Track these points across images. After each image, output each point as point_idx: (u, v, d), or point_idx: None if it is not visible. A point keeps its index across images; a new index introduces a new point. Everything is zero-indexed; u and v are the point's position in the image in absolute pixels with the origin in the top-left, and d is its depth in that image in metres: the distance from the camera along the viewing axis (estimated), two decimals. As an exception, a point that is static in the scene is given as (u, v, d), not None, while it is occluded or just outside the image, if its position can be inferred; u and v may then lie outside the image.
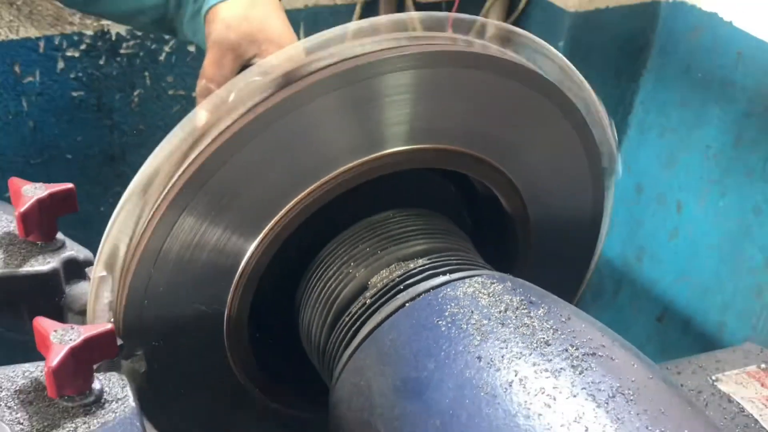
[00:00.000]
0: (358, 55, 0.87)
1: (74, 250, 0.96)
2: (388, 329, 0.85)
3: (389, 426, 0.76)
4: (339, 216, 0.98)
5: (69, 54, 1.70)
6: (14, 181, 0.94)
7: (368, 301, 0.91)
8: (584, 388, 0.70)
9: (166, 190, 0.84)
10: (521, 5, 2.02)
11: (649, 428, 0.67)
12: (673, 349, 2.11)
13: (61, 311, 0.94)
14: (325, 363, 0.95)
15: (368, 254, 0.96)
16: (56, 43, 1.68)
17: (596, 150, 1.04)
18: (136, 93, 1.81)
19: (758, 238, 1.90)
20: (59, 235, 0.96)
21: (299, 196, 0.89)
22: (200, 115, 0.84)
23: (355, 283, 0.94)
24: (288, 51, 0.86)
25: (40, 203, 0.91)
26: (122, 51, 1.75)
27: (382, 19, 0.89)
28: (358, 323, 0.90)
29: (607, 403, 0.69)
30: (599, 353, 0.75)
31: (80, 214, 1.73)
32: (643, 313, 2.21)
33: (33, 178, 0.95)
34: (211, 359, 0.95)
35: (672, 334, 2.14)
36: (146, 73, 1.80)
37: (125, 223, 0.86)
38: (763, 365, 1.07)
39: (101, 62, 1.74)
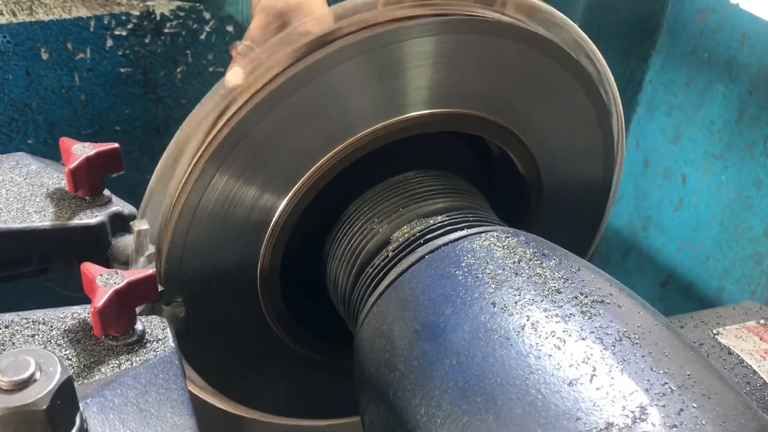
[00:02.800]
0: (383, 21, 0.85)
1: (120, 205, 0.95)
2: (409, 279, 0.84)
3: (409, 365, 0.75)
4: (364, 175, 0.97)
5: (117, 33, 1.70)
6: (65, 141, 0.93)
7: (390, 254, 0.91)
8: (592, 332, 0.69)
9: (202, 149, 0.84)
10: (538, -12, 1.99)
11: (653, 369, 0.66)
12: (676, 313, 2.08)
13: (107, 262, 0.94)
14: (351, 310, 0.95)
15: (391, 211, 0.95)
16: (105, 22, 1.68)
17: (608, 118, 1.02)
18: (178, 69, 1.80)
19: (758, 210, 1.87)
20: (106, 192, 0.95)
21: (327, 156, 0.88)
22: (237, 74, 0.83)
23: (379, 237, 0.94)
24: (319, 17, 0.85)
25: (89, 160, 0.91)
26: (166, 30, 1.74)
27: None
28: (381, 274, 0.90)
29: (614, 346, 0.68)
30: (607, 301, 0.74)
31: (128, 181, 1.73)
32: (649, 279, 2.19)
33: (87, 145, 0.95)
34: (245, 307, 0.95)
35: (675, 298, 2.11)
36: (188, 51, 1.79)
37: (166, 179, 0.86)
38: (762, 321, 1.04)
39: (147, 41, 1.73)
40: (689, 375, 0.66)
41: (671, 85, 2.04)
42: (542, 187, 1.03)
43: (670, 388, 0.64)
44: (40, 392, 0.57)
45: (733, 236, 1.94)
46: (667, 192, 2.10)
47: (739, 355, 0.97)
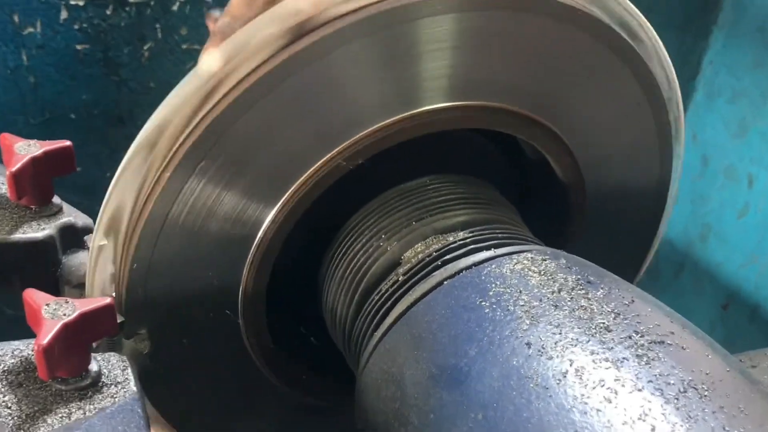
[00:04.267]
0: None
1: (72, 215, 0.94)
2: (424, 310, 0.82)
3: (423, 418, 0.73)
4: (369, 182, 0.96)
5: (73, 2, 1.68)
6: (6, 138, 0.91)
7: (401, 279, 0.89)
8: (650, 381, 0.67)
9: (175, 148, 0.83)
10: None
11: (726, 428, 0.64)
12: (740, 341, 2.08)
13: (56, 284, 0.93)
14: (352, 346, 0.93)
15: (401, 225, 0.94)
16: (59, -10, 1.66)
17: (663, 108, 1.00)
18: (146, 47, 1.78)
19: (840, 217, 1.85)
20: (56, 199, 0.94)
21: (324, 159, 0.87)
22: (216, 60, 0.81)
23: (387, 257, 0.93)
24: None
25: (34, 162, 0.89)
26: (131, 0, 1.72)
27: None
28: (390, 303, 0.88)
29: (677, 399, 0.66)
30: (668, 341, 0.72)
31: (85, 180, 1.71)
32: (707, 300, 2.18)
33: (34, 138, 0.93)
34: (224, 339, 0.93)
35: (738, 323, 2.10)
36: (157, 25, 1.77)
37: (129, 184, 0.84)
38: None
39: (108, 12, 1.71)
40: (771, 435, 0.64)
41: (735, 68, 2.03)
42: (585, 195, 1.02)
43: (748, 452, 0.62)
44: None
45: (810, 249, 1.92)
46: (730, 195, 2.08)
47: (824, 402, 0.95)
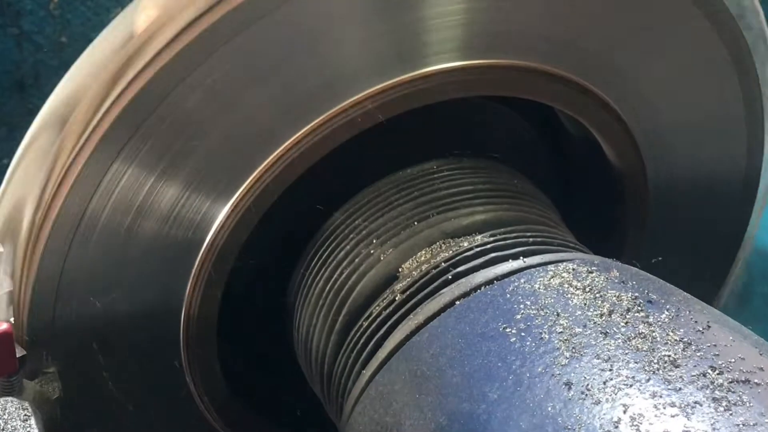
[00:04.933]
0: None
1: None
2: (429, 340, 0.82)
3: (429, 485, 0.74)
4: (356, 167, 0.97)
5: (-42, -72, 1.69)
6: None
7: (398, 298, 0.90)
8: (732, 433, 0.68)
9: (93, 125, 0.83)
10: None
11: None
12: None
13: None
14: (332, 388, 0.93)
15: (399, 227, 0.94)
16: None
17: (755, 79, 1.01)
18: (56, -11, 1.79)
19: None
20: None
21: (295, 137, 0.88)
22: (144, 10, 0.82)
23: (379, 270, 0.93)
24: None
25: None
26: (36, -76, 1.73)
27: None
28: (383, 330, 0.89)
29: (766, 456, 0.67)
30: (755, 380, 0.72)
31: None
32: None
33: None
34: (160, 378, 0.94)
35: None
36: (71, -41, 1.78)
37: (32, 172, 0.85)
38: None
39: (5, -59, 1.72)
40: None
41: None
42: (647, 187, 1.03)
43: None
44: None
45: None
46: None
47: None
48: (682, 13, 0.95)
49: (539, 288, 0.82)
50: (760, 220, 1.12)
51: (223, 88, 0.84)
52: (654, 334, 0.76)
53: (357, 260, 0.94)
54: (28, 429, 0.78)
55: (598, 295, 0.81)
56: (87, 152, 0.83)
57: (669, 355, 0.74)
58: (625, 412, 0.70)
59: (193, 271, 0.90)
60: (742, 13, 0.99)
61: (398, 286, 0.91)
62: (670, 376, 0.72)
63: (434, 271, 0.90)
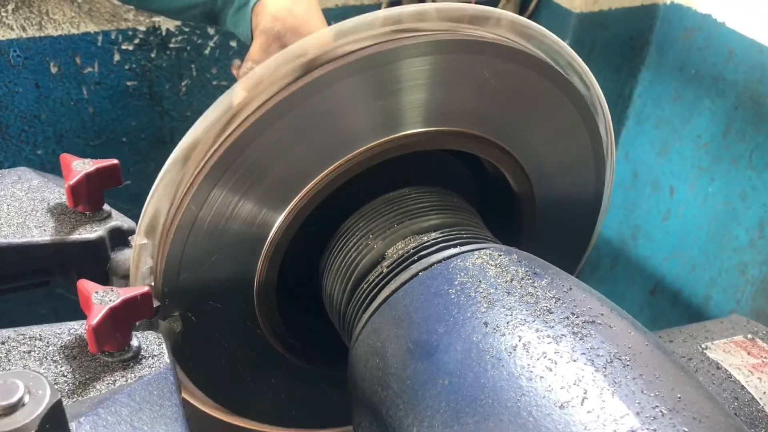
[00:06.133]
0: (379, 42, 0.82)
1: (119, 220, 0.93)
2: (403, 296, 0.81)
3: (402, 384, 0.72)
4: (359, 192, 0.95)
5: (124, 47, 1.67)
6: (65, 157, 0.91)
7: (385, 271, 0.88)
8: (584, 354, 0.66)
9: (203, 162, 0.82)
10: (531, 6, 1.96)
11: (644, 392, 0.63)
12: (664, 320, 2.07)
13: (106, 275, 0.91)
14: (345, 325, 0.92)
15: (386, 227, 0.93)
16: (113, 37, 1.65)
17: (598, 133, 0.99)
18: (183, 83, 1.78)
19: (743, 221, 1.84)
20: (106, 207, 0.93)
21: (323, 173, 0.86)
22: (238, 92, 0.81)
23: (374, 253, 0.91)
24: (318, 36, 0.82)
25: (88, 177, 0.88)
26: (171, 45, 1.72)
27: (406, 8, 0.85)
28: (376, 290, 0.87)
29: (605, 368, 0.65)
30: (598, 321, 0.71)
31: (133, 190, 1.70)
32: (637, 287, 2.17)
33: (92, 158, 0.92)
34: (242, 321, 0.92)
35: (663, 305, 2.09)
36: (193, 65, 1.77)
37: (166, 193, 0.83)
38: (749, 335, 1.01)
39: (153, 55, 1.71)
40: (680, 397, 0.63)
41: (659, 100, 2.02)
42: (534, 203, 1.00)
43: (661, 411, 0.61)
44: (28, 417, 0.54)
45: (719, 246, 1.91)
46: (656, 203, 2.08)
47: (727, 370, 0.94)
48: (555, 99, 0.93)
49: (469, 265, 0.81)
50: (603, 223, 1.11)
51: (280, 143, 0.82)
52: (537, 293, 0.75)
53: (360, 248, 0.93)
54: (161, 351, 0.77)
55: (504, 269, 0.79)
56: (198, 181, 0.81)
57: (546, 306, 0.73)
58: (519, 340, 0.69)
59: (262, 254, 0.88)
60: (591, 97, 0.97)
61: (385, 263, 0.89)
62: (547, 318, 0.71)
63: (406, 255, 0.88)
